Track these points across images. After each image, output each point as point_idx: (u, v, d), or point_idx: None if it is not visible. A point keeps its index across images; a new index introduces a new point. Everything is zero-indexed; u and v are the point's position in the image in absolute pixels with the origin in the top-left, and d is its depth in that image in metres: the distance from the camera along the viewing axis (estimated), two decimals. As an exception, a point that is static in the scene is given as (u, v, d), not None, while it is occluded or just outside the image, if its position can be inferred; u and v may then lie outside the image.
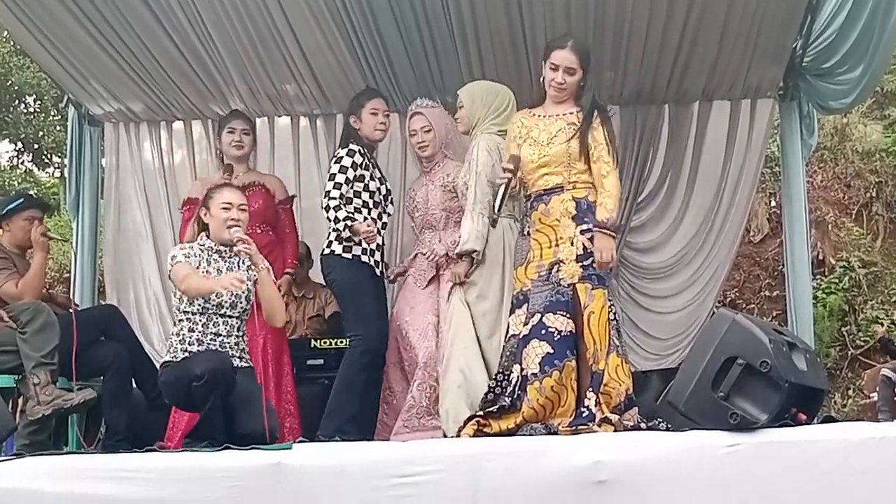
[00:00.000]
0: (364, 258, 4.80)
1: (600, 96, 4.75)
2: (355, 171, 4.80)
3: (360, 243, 4.77)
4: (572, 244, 4.29)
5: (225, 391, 3.98)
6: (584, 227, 4.30)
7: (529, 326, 4.26)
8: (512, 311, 4.44)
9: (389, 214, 5.07)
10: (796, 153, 5.72)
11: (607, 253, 4.25)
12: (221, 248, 4.33)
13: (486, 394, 4.37)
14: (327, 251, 4.84)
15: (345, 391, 4.66)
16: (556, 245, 4.32)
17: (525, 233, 4.47)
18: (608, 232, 4.26)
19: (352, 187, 4.79)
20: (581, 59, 4.41)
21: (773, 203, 9.91)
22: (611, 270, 4.42)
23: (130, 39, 5.24)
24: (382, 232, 4.95)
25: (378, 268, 4.88)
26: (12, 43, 11.42)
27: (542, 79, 4.47)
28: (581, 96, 4.46)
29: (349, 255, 4.78)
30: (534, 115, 4.51)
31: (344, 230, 4.72)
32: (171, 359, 4.17)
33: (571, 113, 4.44)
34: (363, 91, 5.17)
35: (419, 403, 4.77)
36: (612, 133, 4.43)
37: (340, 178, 4.77)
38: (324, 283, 5.24)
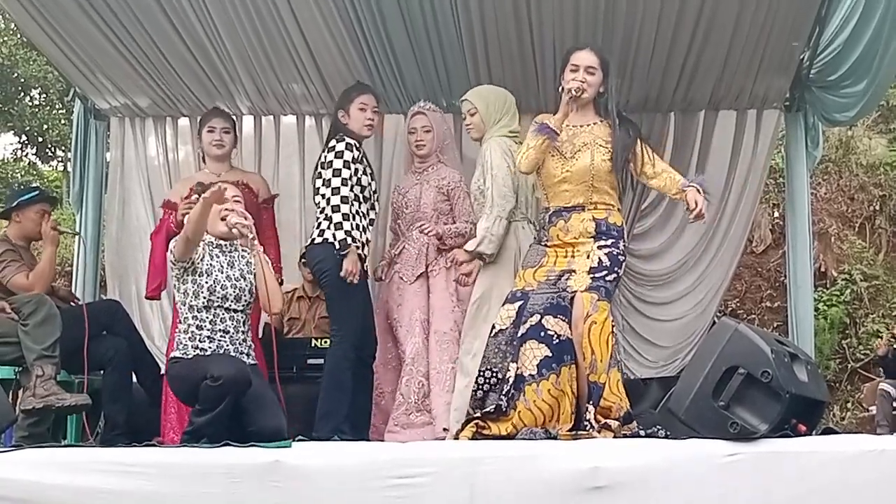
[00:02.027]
0: (358, 251, 4.72)
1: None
2: (354, 164, 4.74)
3: (350, 233, 4.65)
4: (588, 257, 4.31)
5: (236, 399, 3.97)
6: (602, 242, 4.32)
7: (527, 326, 4.24)
8: (502, 305, 4.41)
9: (376, 212, 5.02)
10: (801, 164, 5.72)
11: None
12: (222, 242, 4.33)
13: (474, 391, 4.33)
14: (319, 240, 4.71)
15: (335, 391, 4.55)
16: (573, 257, 4.34)
17: (542, 243, 4.46)
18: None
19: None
20: (601, 61, 4.41)
21: (776, 214, 9.93)
22: (619, 278, 4.41)
23: (139, 34, 5.24)
24: (370, 228, 4.91)
25: (364, 262, 4.82)
26: (18, 35, 11.45)
27: (560, 88, 4.40)
28: (600, 104, 4.45)
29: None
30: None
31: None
32: (181, 355, 4.15)
33: (596, 123, 4.45)
34: (353, 86, 5.07)
35: (408, 400, 4.76)
36: (647, 144, 4.52)
37: (346, 172, 4.68)
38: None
